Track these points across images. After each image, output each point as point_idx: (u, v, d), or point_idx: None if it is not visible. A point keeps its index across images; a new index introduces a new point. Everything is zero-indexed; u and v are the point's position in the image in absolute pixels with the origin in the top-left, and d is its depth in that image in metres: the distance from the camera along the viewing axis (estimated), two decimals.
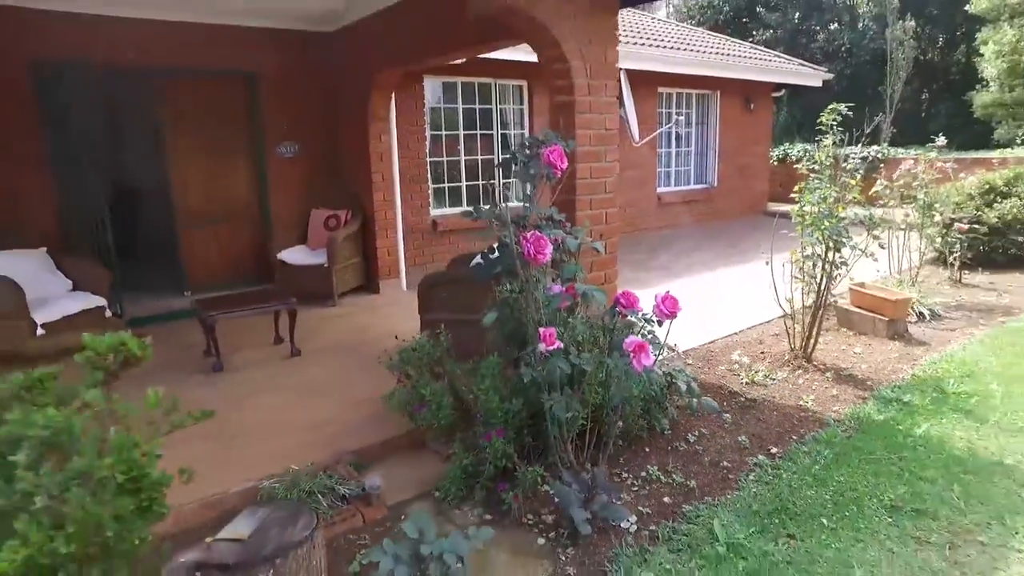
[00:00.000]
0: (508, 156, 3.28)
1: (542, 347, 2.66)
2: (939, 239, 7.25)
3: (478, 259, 3.37)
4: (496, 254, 3.20)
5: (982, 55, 15.04)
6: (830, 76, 13.16)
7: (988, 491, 3.05)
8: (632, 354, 2.58)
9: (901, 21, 15.80)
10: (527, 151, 3.21)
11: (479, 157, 8.62)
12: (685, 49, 10.54)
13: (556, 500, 2.84)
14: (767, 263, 4.70)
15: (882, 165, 10.39)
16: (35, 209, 5.67)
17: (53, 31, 5.50)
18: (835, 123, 4.80)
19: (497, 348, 3.33)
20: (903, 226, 6.82)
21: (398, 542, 2.34)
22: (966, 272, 7.23)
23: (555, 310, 3.12)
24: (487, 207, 3.06)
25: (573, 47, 4.04)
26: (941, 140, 7.49)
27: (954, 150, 11.71)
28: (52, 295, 5.01)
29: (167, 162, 6.53)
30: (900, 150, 12.76)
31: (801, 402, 4.10)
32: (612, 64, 4.25)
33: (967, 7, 15.21)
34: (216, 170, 6.81)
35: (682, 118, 11.31)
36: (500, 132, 8.76)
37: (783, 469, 3.28)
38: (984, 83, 15.10)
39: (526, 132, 8.89)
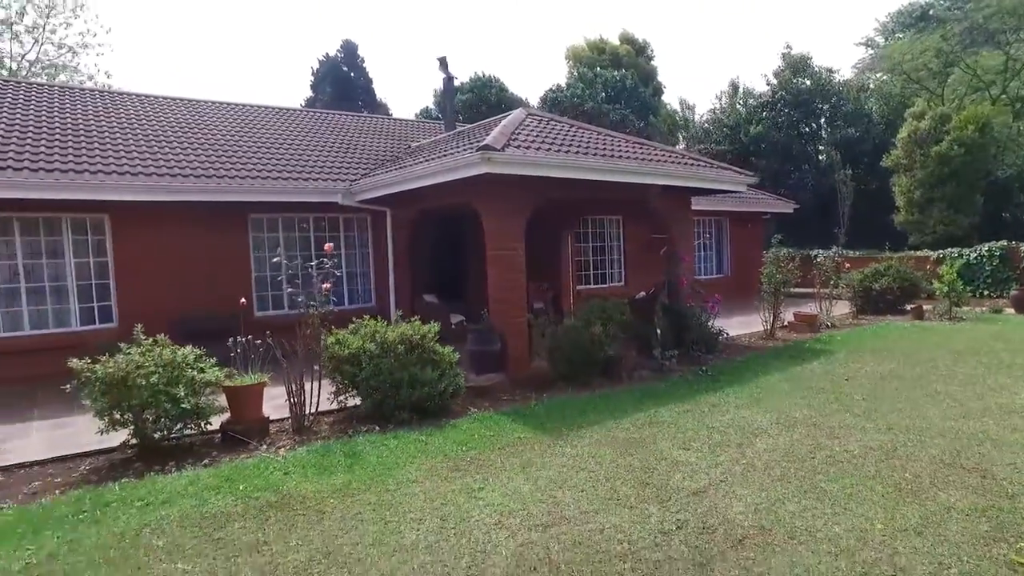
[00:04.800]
0: (668, 270, 10.41)
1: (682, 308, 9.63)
2: (848, 297, 14.25)
3: (641, 294, 10.35)
4: (646, 295, 10.22)
5: (895, 191, 22.64)
6: (797, 206, 20.65)
7: (837, 352, 9.88)
8: (711, 304, 9.56)
9: (842, 170, 23.74)
10: (669, 259, 10.31)
11: (590, 258, 15.89)
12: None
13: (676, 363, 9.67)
14: (758, 307, 11.69)
15: (816, 259, 17.59)
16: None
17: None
18: (779, 241, 11.93)
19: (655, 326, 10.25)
20: (829, 291, 13.83)
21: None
22: (861, 315, 14.16)
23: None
24: (655, 288, 10.13)
25: (672, 220, 11.23)
26: (836, 247, 14.72)
27: (875, 250, 18.99)
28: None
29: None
30: (844, 251, 20.01)
31: (769, 344, 10.95)
32: (689, 220, 11.43)
33: (881, 163, 23.10)
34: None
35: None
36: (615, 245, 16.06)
37: (759, 358, 10.11)
38: (897, 209, 22.55)
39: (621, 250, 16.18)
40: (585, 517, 4.31)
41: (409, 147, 14.38)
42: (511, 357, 8.60)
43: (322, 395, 6.72)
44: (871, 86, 31.96)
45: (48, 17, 32.77)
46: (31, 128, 10.52)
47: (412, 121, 20.69)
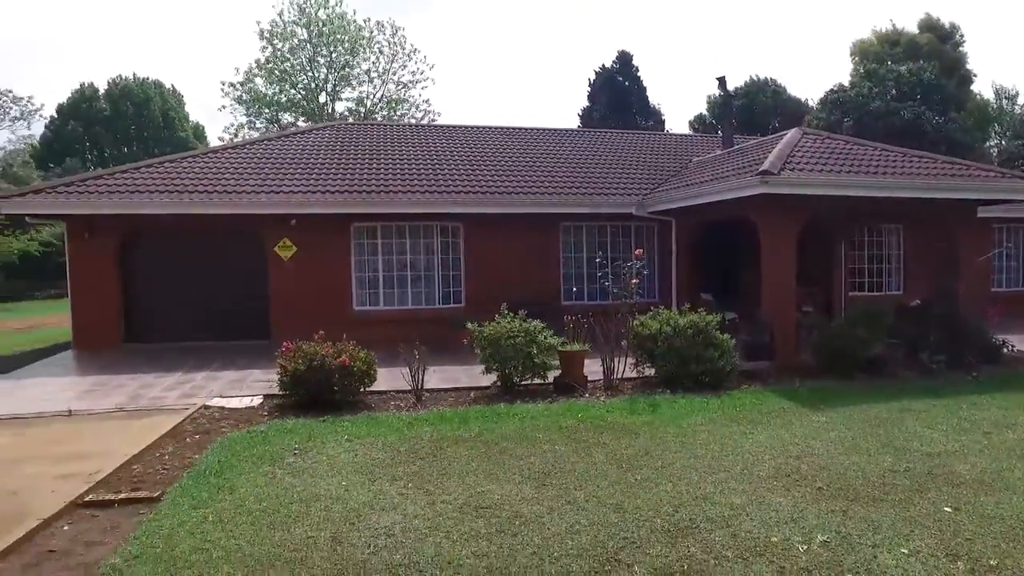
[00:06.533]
0: (943, 279, 10.77)
1: None
2: None
3: (915, 302, 10.78)
4: (919, 303, 10.62)
5: None
6: None
7: None
8: (993, 315, 9.81)
9: None
10: (946, 268, 10.65)
11: (866, 265, 16.00)
12: None
13: None
14: None
15: None
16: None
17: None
18: None
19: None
20: None
21: None
22: None
23: None
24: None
25: (956, 229, 11.40)
26: None
27: None
28: None
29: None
30: None
31: None
32: (979, 229, 11.47)
33: None
34: None
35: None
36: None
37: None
38: None
39: None
40: (830, 456, 5.90)
41: (690, 162, 16.21)
42: (779, 349, 10.05)
43: (625, 365, 9.03)
44: None
45: (392, 62, 40.91)
46: (407, 160, 14.71)
47: (689, 136, 22.52)
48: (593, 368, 9.12)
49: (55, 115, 50.03)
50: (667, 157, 17.01)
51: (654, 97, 44.58)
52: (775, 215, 10.22)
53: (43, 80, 77.62)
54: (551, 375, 8.89)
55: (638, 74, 46.20)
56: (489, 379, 8.87)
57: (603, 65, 46.27)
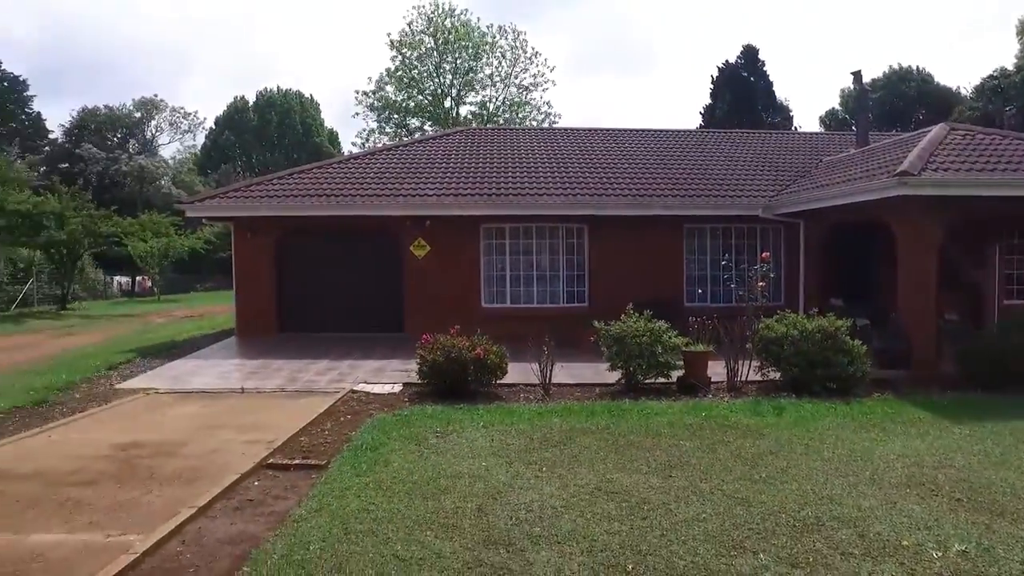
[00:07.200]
0: None
1: None
2: None
3: None
4: None
5: None
6: None
7: None
8: None
9: None
10: None
11: None
12: None
13: None
14: None
15: None
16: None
17: None
18: None
19: None
20: None
21: None
22: None
23: None
24: None
25: None
26: None
27: None
28: None
29: None
30: None
31: None
32: None
33: None
34: None
35: None
36: None
37: None
38: None
39: None
40: (971, 469, 5.73)
41: (820, 162, 15.63)
42: (916, 358, 9.61)
43: (749, 367, 9.04)
44: None
45: (514, 66, 41.95)
46: (533, 163, 15.26)
47: (819, 134, 21.60)
48: (716, 369, 9.19)
49: (213, 126, 55.53)
50: (795, 157, 16.48)
51: (781, 92, 42.67)
52: (915, 218, 9.77)
53: (202, 94, 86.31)
54: (675, 374, 9.06)
55: (764, 69, 44.52)
56: (614, 376, 9.18)
57: (726, 61, 44.98)
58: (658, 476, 5.55)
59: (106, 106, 52.86)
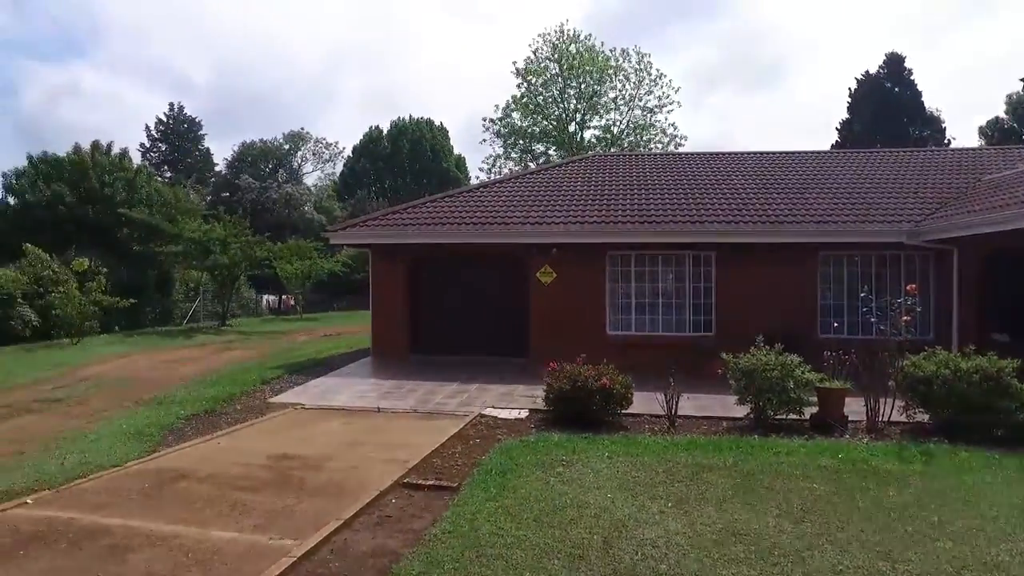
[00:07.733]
0: None
1: None
2: None
3: None
4: None
5: None
6: None
7: None
8: None
9: None
10: None
11: None
12: None
13: None
14: None
15: None
16: None
17: None
18: None
19: None
20: None
21: None
22: None
23: None
24: None
25: None
26: None
27: None
28: None
29: None
30: None
31: None
32: None
33: None
34: None
35: None
36: None
37: None
38: None
39: None
40: None
41: (978, 181, 14.33)
42: None
43: (892, 407, 8.44)
44: None
45: (638, 88, 41.85)
46: (658, 189, 15.17)
47: (976, 150, 19.73)
48: (853, 407, 8.67)
49: (351, 154, 59.62)
50: (946, 176, 15.19)
51: (931, 102, 39.37)
52: None
53: (341, 125, 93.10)
54: (807, 411, 8.65)
55: (911, 78, 41.36)
56: (742, 410, 8.91)
57: (867, 72, 42.27)
58: (789, 520, 5.36)
59: (261, 139, 58.86)
